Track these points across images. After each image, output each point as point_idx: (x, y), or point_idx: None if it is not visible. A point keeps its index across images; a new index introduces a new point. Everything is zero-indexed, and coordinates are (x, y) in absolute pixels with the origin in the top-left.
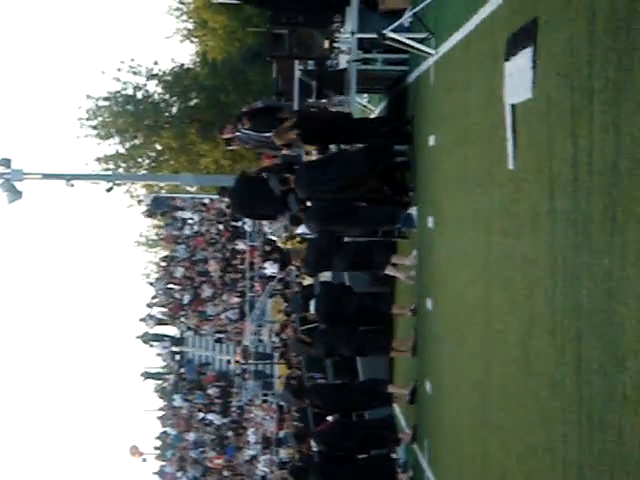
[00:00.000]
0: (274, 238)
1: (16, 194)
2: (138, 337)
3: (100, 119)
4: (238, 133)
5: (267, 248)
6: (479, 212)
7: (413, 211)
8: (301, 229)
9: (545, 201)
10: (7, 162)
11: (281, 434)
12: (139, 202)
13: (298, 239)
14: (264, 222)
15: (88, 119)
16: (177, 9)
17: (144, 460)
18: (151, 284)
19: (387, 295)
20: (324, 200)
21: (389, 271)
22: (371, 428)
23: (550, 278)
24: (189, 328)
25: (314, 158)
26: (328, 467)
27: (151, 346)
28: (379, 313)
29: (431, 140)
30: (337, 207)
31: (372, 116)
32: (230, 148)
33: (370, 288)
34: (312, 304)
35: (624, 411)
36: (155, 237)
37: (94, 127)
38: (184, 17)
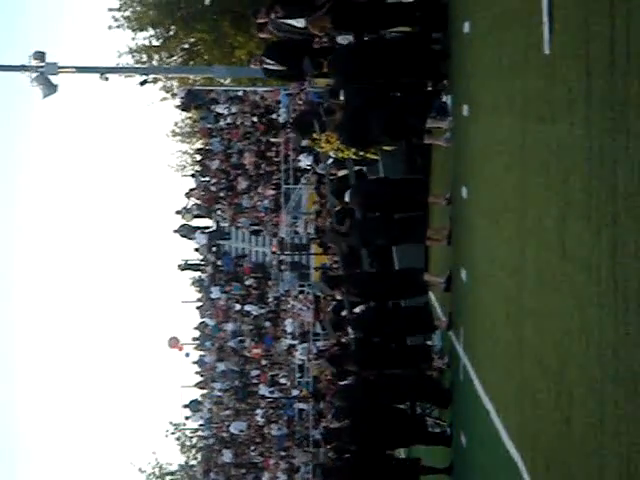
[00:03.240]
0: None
1: (51, 88)
2: (175, 230)
3: (133, 10)
4: (271, 19)
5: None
6: (514, 98)
7: (447, 99)
8: None
9: (581, 85)
10: (41, 55)
11: (318, 323)
12: (173, 95)
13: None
14: None
15: (120, 9)
16: None
17: (187, 355)
18: (192, 176)
19: (422, 183)
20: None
21: (427, 140)
22: (406, 315)
23: (586, 163)
24: (224, 220)
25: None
26: (364, 354)
27: (189, 238)
28: (414, 201)
29: (466, 27)
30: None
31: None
32: (262, 36)
33: (405, 176)
34: (347, 194)
35: None
36: (189, 129)
37: (127, 18)
38: None
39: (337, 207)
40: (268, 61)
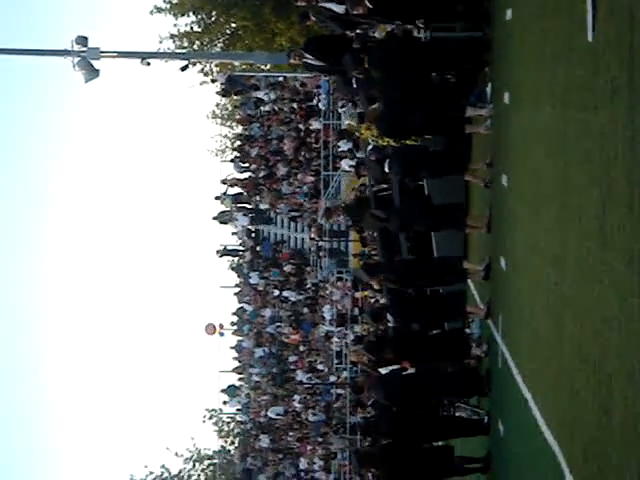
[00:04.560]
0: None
1: (93, 72)
2: (214, 217)
3: None
4: (312, 5)
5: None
6: (556, 86)
7: (487, 87)
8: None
9: (625, 74)
10: (84, 40)
11: (356, 311)
12: (213, 81)
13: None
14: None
15: None
16: None
17: (222, 335)
18: (232, 161)
19: (463, 153)
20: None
21: (468, 129)
22: (439, 301)
23: (629, 151)
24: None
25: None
26: (403, 341)
27: (228, 224)
28: (453, 167)
29: (508, 14)
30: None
31: None
32: (306, 23)
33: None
34: (386, 164)
35: None
36: (229, 113)
37: (169, 2)
38: None
39: (376, 187)
40: (307, 55)
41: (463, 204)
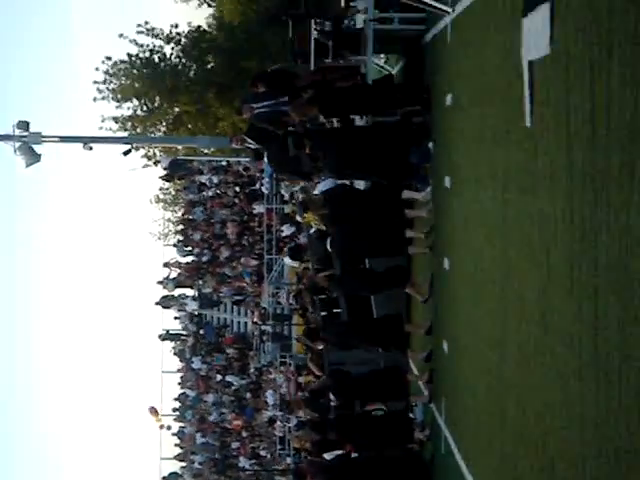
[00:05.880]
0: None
1: (34, 157)
2: (157, 302)
3: (118, 82)
4: (255, 111)
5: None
6: (496, 170)
7: (429, 144)
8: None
9: (562, 158)
10: (25, 125)
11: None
12: (156, 163)
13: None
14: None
15: (106, 82)
16: None
17: (166, 427)
18: (174, 245)
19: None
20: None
21: (409, 213)
22: (384, 378)
23: (568, 235)
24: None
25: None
26: (345, 422)
27: (171, 307)
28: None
29: (448, 99)
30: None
31: (389, 75)
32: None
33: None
34: (328, 242)
35: None
36: (172, 197)
37: (112, 90)
38: None
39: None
40: (249, 140)
41: (407, 268)
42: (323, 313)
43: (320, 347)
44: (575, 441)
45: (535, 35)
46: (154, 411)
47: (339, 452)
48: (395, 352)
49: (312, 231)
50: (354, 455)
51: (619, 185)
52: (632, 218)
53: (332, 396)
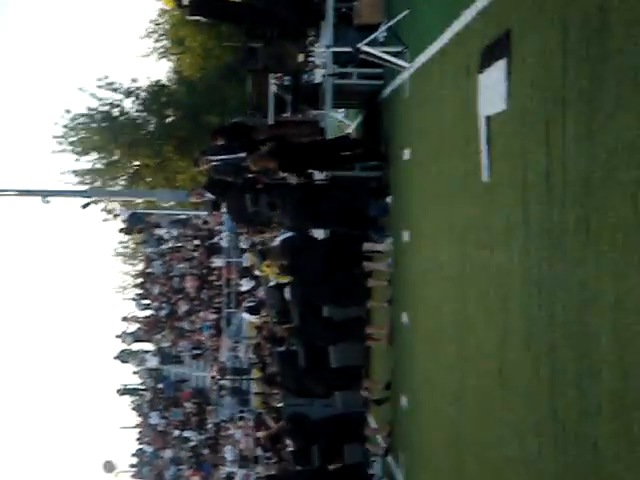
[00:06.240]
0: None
1: None
2: (116, 357)
3: (77, 136)
4: (212, 163)
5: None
6: (454, 225)
7: (388, 199)
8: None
9: (519, 212)
10: None
11: (258, 450)
12: (115, 216)
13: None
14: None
15: (65, 136)
16: (154, 31)
17: None
18: (133, 299)
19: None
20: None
21: (368, 266)
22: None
23: (525, 290)
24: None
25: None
26: (304, 474)
27: (129, 362)
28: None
29: (406, 154)
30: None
31: (348, 132)
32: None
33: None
34: (286, 291)
35: (599, 422)
36: (131, 251)
37: (71, 143)
38: (161, 35)
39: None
40: (208, 194)
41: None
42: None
43: (276, 392)
44: None
45: (492, 91)
46: (111, 466)
47: None
48: (353, 393)
49: (271, 283)
50: None
51: (575, 240)
52: (588, 273)
53: (289, 441)
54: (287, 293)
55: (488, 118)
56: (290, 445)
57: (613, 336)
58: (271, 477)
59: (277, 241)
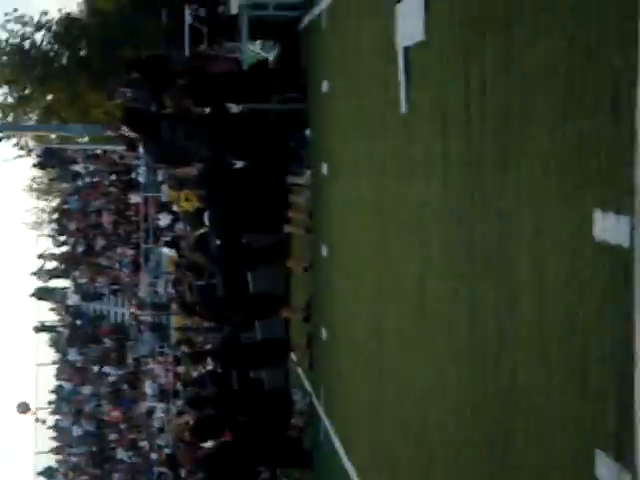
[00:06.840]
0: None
1: None
2: (32, 294)
3: None
4: (126, 94)
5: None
6: (373, 157)
7: (307, 131)
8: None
9: (438, 144)
10: None
11: (178, 385)
12: (29, 152)
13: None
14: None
15: None
16: None
17: (43, 422)
18: (49, 236)
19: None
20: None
21: (289, 198)
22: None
23: (444, 221)
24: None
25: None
26: (223, 397)
27: (47, 299)
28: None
29: (324, 86)
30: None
31: (265, 58)
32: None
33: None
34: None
35: (517, 350)
36: (46, 186)
37: None
38: None
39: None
40: (124, 128)
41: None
42: (199, 288)
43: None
44: (452, 427)
45: (410, 21)
46: (25, 407)
47: (216, 441)
48: (273, 321)
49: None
50: (231, 441)
51: (493, 171)
52: (507, 203)
53: (211, 360)
54: (206, 219)
55: (406, 49)
56: (210, 364)
57: (531, 265)
58: (191, 399)
59: (194, 171)
